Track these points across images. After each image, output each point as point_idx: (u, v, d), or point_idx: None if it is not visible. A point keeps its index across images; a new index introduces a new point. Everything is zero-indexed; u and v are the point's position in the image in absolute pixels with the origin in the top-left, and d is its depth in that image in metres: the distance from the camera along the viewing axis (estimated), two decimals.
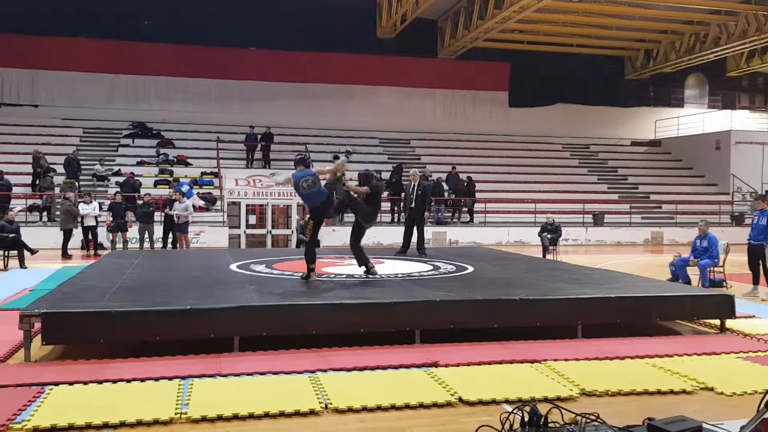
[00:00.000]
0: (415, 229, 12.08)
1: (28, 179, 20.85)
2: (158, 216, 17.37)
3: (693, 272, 11.44)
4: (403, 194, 12.79)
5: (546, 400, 4.99)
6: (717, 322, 7.87)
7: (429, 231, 21.63)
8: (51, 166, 20.86)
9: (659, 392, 5.39)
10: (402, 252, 12.04)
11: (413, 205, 12.06)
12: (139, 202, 17.89)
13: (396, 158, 26.09)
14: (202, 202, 19.56)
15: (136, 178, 21.36)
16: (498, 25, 24.24)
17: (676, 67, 29.52)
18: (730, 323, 7.80)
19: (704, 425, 3.55)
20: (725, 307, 7.69)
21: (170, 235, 16.96)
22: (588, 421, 3.58)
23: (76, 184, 19.66)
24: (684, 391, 5.43)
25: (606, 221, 23.63)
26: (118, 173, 22.16)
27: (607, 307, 7.40)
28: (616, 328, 7.41)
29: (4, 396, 5.09)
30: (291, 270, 9.67)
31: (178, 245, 16.63)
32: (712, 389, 5.48)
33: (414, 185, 12.10)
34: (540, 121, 29.99)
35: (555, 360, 6.21)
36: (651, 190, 27.25)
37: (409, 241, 12.10)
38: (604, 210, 24.08)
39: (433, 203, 13.03)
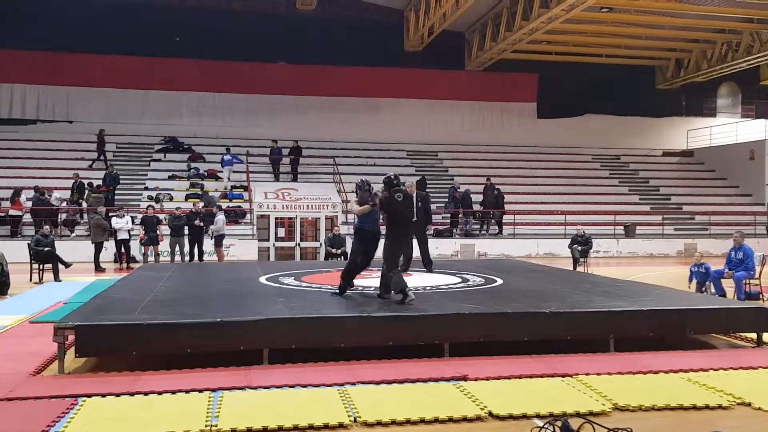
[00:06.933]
0: (416, 243, 11.24)
1: (63, 194, 21.21)
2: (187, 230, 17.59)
3: (728, 284, 11.20)
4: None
5: (578, 414, 4.91)
6: (754, 335, 7.69)
7: (457, 243, 21.74)
8: (81, 181, 21.21)
9: (694, 407, 5.28)
10: (404, 269, 10.89)
11: (415, 218, 10.98)
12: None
13: (423, 170, 26.08)
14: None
15: (168, 191, 21.74)
16: (526, 37, 24.15)
17: (708, 76, 29.08)
18: (767, 337, 7.62)
19: None
20: (762, 320, 7.52)
21: (196, 248, 17.17)
22: None
23: (103, 197, 19.96)
24: (720, 407, 5.31)
25: (638, 233, 23.31)
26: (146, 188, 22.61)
27: (640, 320, 7.28)
28: (650, 342, 7.29)
29: (39, 407, 5.18)
30: (320, 283, 9.71)
31: (217, 257, 16.85)
32: (749, 404, 5.35)
33: (413, 197, 11.05)
34: (569, 132, 29.76)
35: (587, 374, 6.12)
36: (683, 201, 26.84)
37: (410, 256, 11.28)
38: (636, 221, 23.76)
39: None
